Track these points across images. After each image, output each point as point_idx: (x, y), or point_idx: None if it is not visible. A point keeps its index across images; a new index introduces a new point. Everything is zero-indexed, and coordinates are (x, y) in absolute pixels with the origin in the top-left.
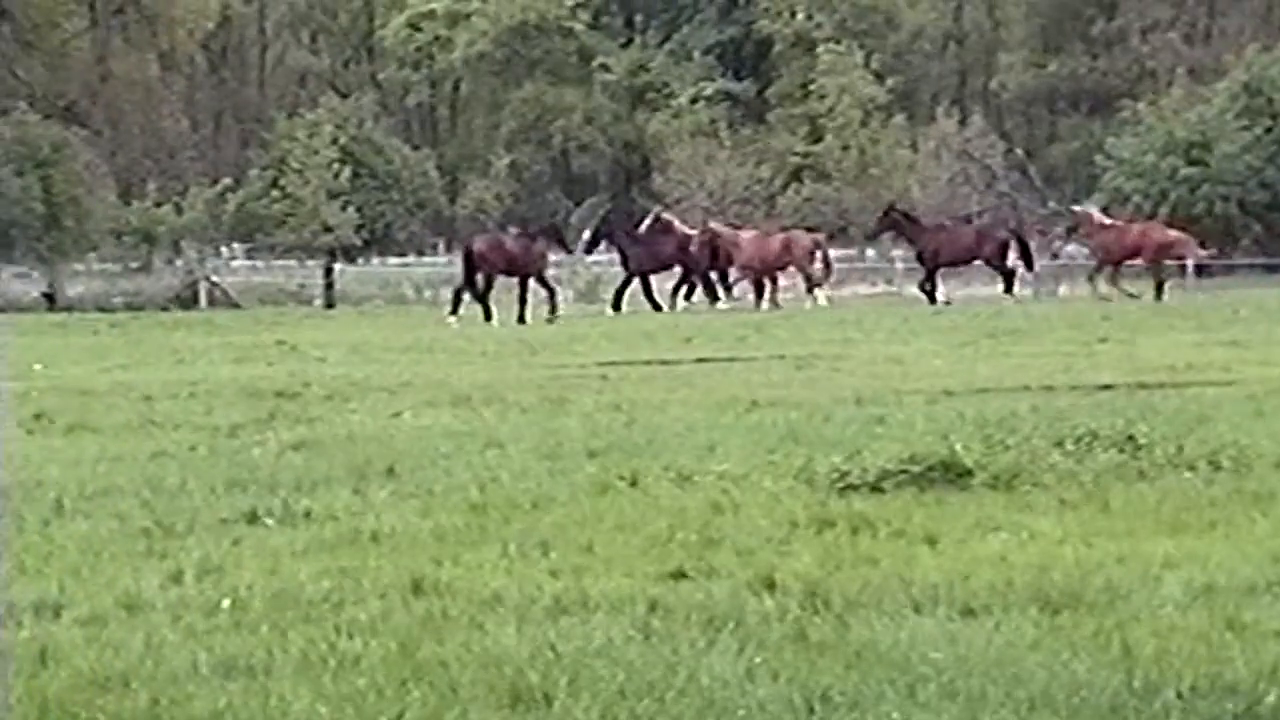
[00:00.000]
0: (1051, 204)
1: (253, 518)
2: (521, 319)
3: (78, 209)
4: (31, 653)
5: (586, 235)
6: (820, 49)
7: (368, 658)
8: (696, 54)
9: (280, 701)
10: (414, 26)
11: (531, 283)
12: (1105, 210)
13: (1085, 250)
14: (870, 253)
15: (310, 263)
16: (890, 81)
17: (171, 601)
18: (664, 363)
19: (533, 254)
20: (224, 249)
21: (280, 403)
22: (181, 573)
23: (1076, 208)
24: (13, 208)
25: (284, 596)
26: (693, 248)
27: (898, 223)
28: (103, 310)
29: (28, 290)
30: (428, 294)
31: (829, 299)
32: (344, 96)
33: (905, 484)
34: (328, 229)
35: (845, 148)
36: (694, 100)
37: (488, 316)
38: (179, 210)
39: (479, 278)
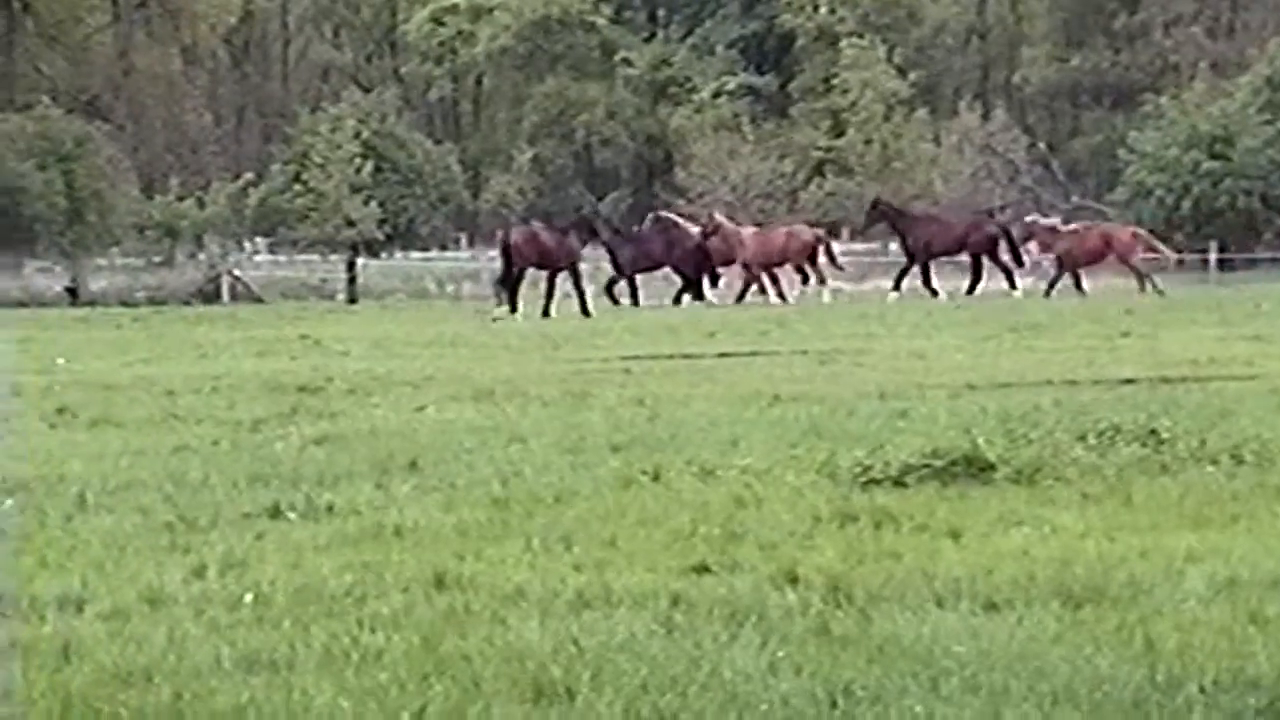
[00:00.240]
0: (1074, 198)
1: (275, 512)
2: (546, 312)
3: (100, 203)
4: (54, 647)
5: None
6: (843, 43)
7: (390, 652)
8: (719, 48)
9: (303, 696)
10: (437, 21)
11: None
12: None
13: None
14: (894, 246)
15: (333, 257)
16: (913, 76)
17: (194, 596)
18: (687, 357)
19: (566, 247)
20: (246, 243)
21: (303, 397)
22: (204, 567)
23: (1028, 218)
24: (35, 202)
25: (306, 591)
26: (692, 245)
27: (886, 215)
28: (125, 304)
29: (50, 285)
30: (450, 288)
31: (833, 293)
32: (366, 91)
33: (928, 478)
34: (350, 223)
35: (868, 142)
36: (716, 95)
37: (513, 309)
38: (201, 205)
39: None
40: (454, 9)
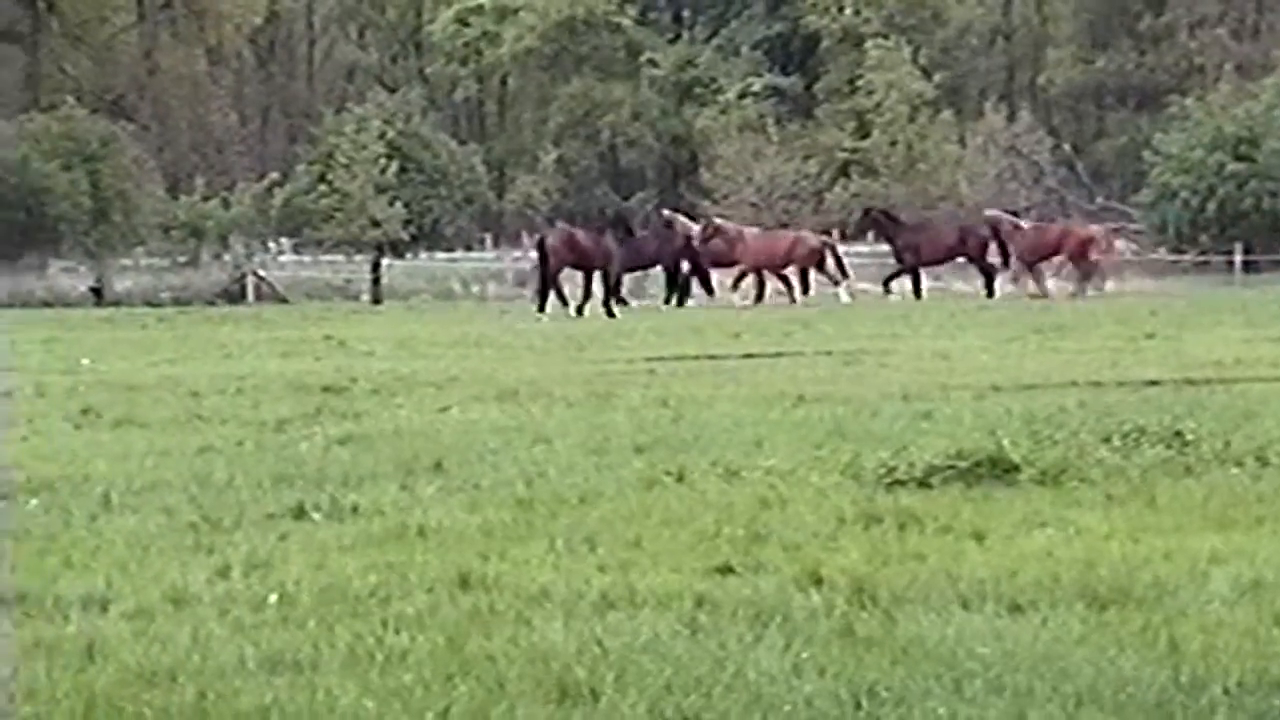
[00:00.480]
0: (1099, 200)
1: (300, 513)
2: (580, 312)
3: (125, 204)
4: (79, 647)
5: (532, 239)
6: (868, 44)
7: (415, 652)
8: (744, 49)
9: (327, 696)
10: (462, 21)
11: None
12: (1014, 214)
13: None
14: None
15: (357, 257)
16: (938, 77)
17: (218, 596)
18: (711, 358)
19: (603, 248)
20: (271, 244)
21: (327, 398)
22: (229, 567)
23: (988, 211)
24: (60, 202)
25: (331, 591)
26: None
27: (878, 222)
28: (150, 305)
29: (75, 285)
30: (475, 289)
31: (850, 294)
32: (392, 91)
33: (952, 479)
34: (375, 224)
35: (893, 143)
36: (741, 95)
37: (541, 308)
38: (226, 205)
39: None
40: (479, 10)
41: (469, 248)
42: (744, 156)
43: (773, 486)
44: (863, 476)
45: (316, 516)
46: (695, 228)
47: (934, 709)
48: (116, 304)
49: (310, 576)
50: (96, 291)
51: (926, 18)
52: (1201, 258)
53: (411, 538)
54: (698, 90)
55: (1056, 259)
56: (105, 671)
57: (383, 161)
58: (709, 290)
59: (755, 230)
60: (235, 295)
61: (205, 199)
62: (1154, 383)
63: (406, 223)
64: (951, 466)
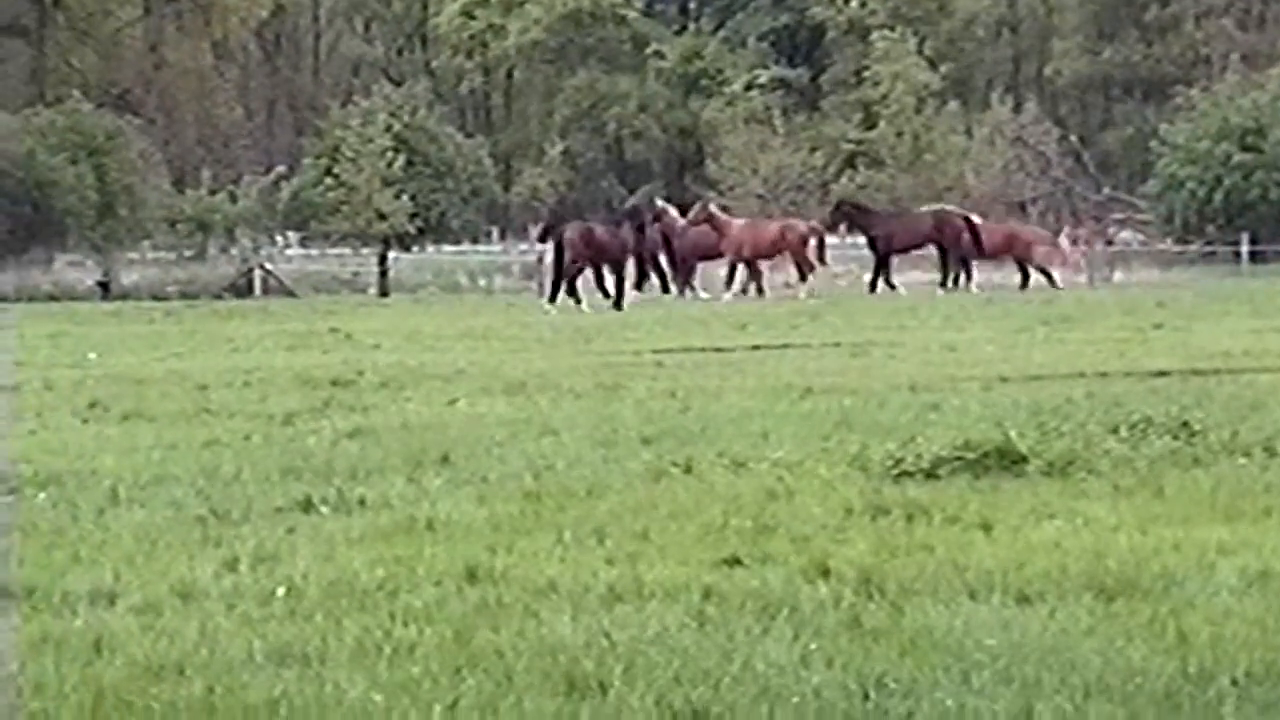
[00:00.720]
0: (1106, 190)
1: (308, 506)
2: (619, 305)
3: (132, 198)
4: (86, 641)
5: (536, 229)
6: (874, 36)
7: (423, 645)
8: (750, 41)
9: (335, 689)
10: (468, 14)
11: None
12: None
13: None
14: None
15: (364, 251)
16: (944, 68)
17: (226, 590)
18: (718, 350)
19: (620, 241)
20: (278, 237)
21: (335, 391)
22: (236, 560)
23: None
24: (67, 196)
25: (339, 584)
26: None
27: (849, 215)
28: (157, 299)
29: (82, 279)
30: (482, 282)
31: (810, 293)
32: (397, 84)
33: (960, 471)
34: (382, 217)
35: (899, 134)
36: (748, 87)
37: (553, 299)
38: (233, 199)
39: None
40: (485, 2)
41: (475, 240)
42: (750, 148)
43: (780, 478)
44: (870, 468)
45: (324, 510)
46: (681, 221)
47: (942, 700)
48: (123, 298)
49: (318, 570)
50: (103, 285)
51: (932, 9)
52: (1208, 248)
53: (419, 531)
54: (704, 82)
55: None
56: (113, 665)
57: (389, 155)
58: (664, 286)
59: (742, 220)
60: (242, 289)
61: (212, 193)
62: (1161, 373)
63: (413, 216)
64: (959, 458)
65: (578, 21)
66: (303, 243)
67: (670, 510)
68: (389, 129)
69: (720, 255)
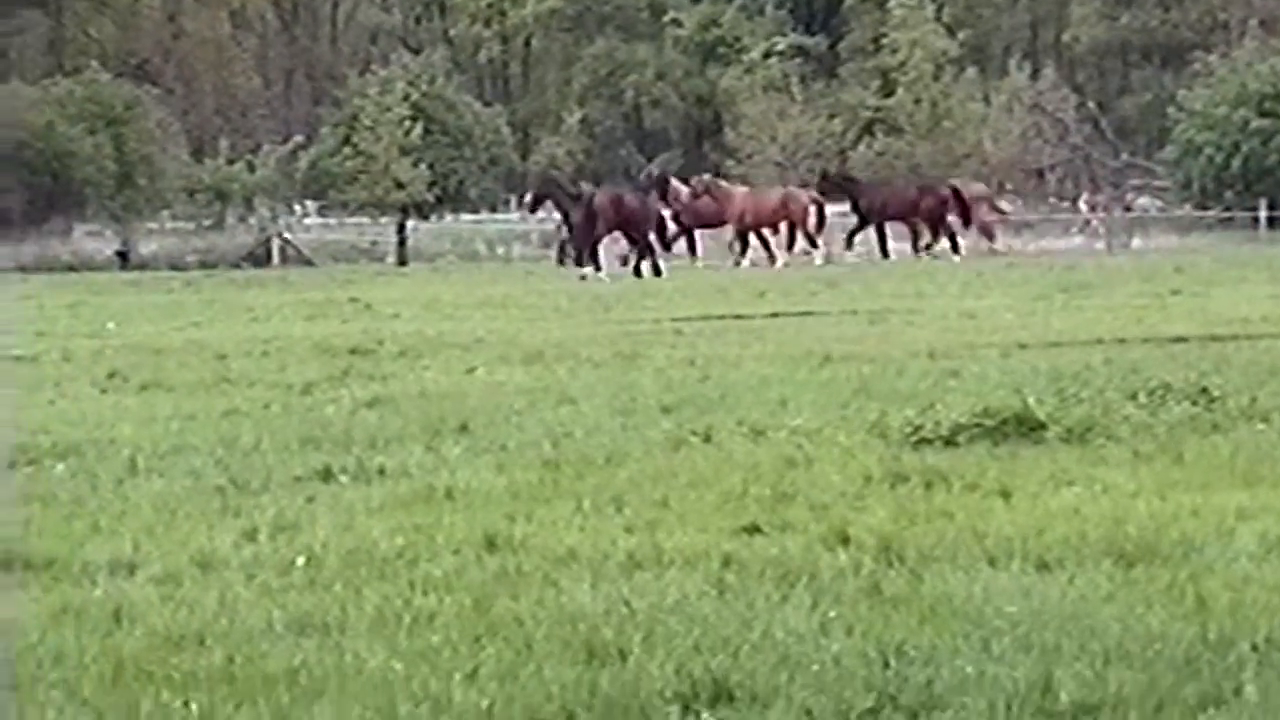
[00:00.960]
0: (1124, 156)
1: (327, 475)
2: (657, 270)
3: (150, 168)
4: (106, 611)
5: (529, 196)
6: (891, 3)
7: (442, 614)
8: (768, 8)
9: (355, 659)
10: None
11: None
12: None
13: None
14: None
15: (383, 220)
16: (962, 35)
17: (246, 559)
18: (737, 317)
19: (648, 209)
20: (296, 206)
21: (353, 360)
22: (256, 530)
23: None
24: (85, 166)
25: (358, 554)
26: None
27: (838, 185)
28: (176, 268)
29: (101, 249)
30: (500, 250)
31: (824, 258)
32: (416, 53)
33: (979, 438)
34: (400, 186)
35: (917, 101)
36: (766, 55)
37: (581, 263)
38: (251, 168)
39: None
40: None
41: (494, 209)
42: (768, 116)
43: (799, 446)
44: (889, 435)
45: (343, 479)
46: (685, 190)
47: (961, 667)
48: (142, 268)
49: (337, 539)
50: (122, 255)
51: None
52: (1226, 214)
53: (438, 499)
54: (722, 50)
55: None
56: (133, 635)
57: (407, 124)
58: (665, 249)
59: (744, 189)
60: (260, 258)
61: (230, 162)
62: (1180, 339)
63: (431, 185)
64: (978, 425)
65: None
66: (321, 212)
67: (689, 478)
68: (407, 98)
69: (722, 224)
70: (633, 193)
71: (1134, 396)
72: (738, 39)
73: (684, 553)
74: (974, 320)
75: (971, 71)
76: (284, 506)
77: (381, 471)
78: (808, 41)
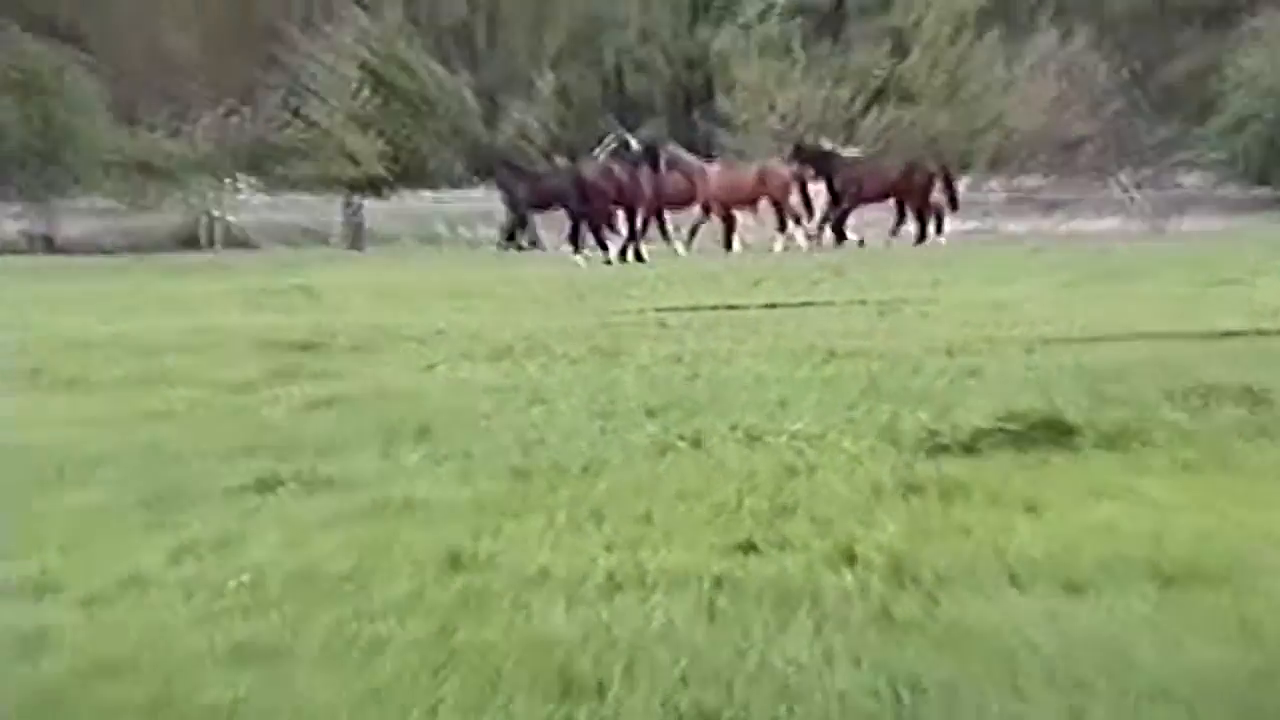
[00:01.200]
0: (1165, 129)
1: (270, 485)
2: (639, 255)
3: (75, 141)
4: (26, 636)
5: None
6: None
7: (399, 641)
8: None
9: (301, 691)
10: None
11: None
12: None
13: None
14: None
15: (333, 197)
16: None
17: (179, 579)
18: (730, 308)
19: (640, 183)
20: (236, 183)
21: (300, 355)
22: (190, 547)
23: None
24: (5, 140)
25: (305, 573)
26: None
27: (811, 159)
28: (103, 252)
29: (22, 229)
30: (464, 232)
31: (788, 243)
32: (369, 11)
33: (1002, 444)
34: (351, 160)
35: (933, 65)
36: (763, 14)
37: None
38: (184, 140)
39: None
40: None
41: (457, 186)
42: (766, 82)
43: (800, 452)
44: (901, 441)
45: (288, 489)
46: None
47: (982, 703)
48: (66, 251)
49: (281, 557)
50: (43, 238)
51: None
52: (1278, 193)
53: (395, 512)
54: (714, 8)
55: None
56: (56, 663)
57: (360, 90)
58: (613, 230)
59: (716, 166)
60: (196, 240)
61: (162, 133)
62: (1227, 334)
63: (387, 158)
64: (1001, 429)
65: None
66: (263, 189)
67: (677, 489)
68: (359, 61)
69: (690, 203)
70: (622, 166)
71: (1175, 398)
72: None
73: (670, 573)
74: (996, 311)
75: (994, 32)
76: (221, 520)
77: (331, 480)
78: None
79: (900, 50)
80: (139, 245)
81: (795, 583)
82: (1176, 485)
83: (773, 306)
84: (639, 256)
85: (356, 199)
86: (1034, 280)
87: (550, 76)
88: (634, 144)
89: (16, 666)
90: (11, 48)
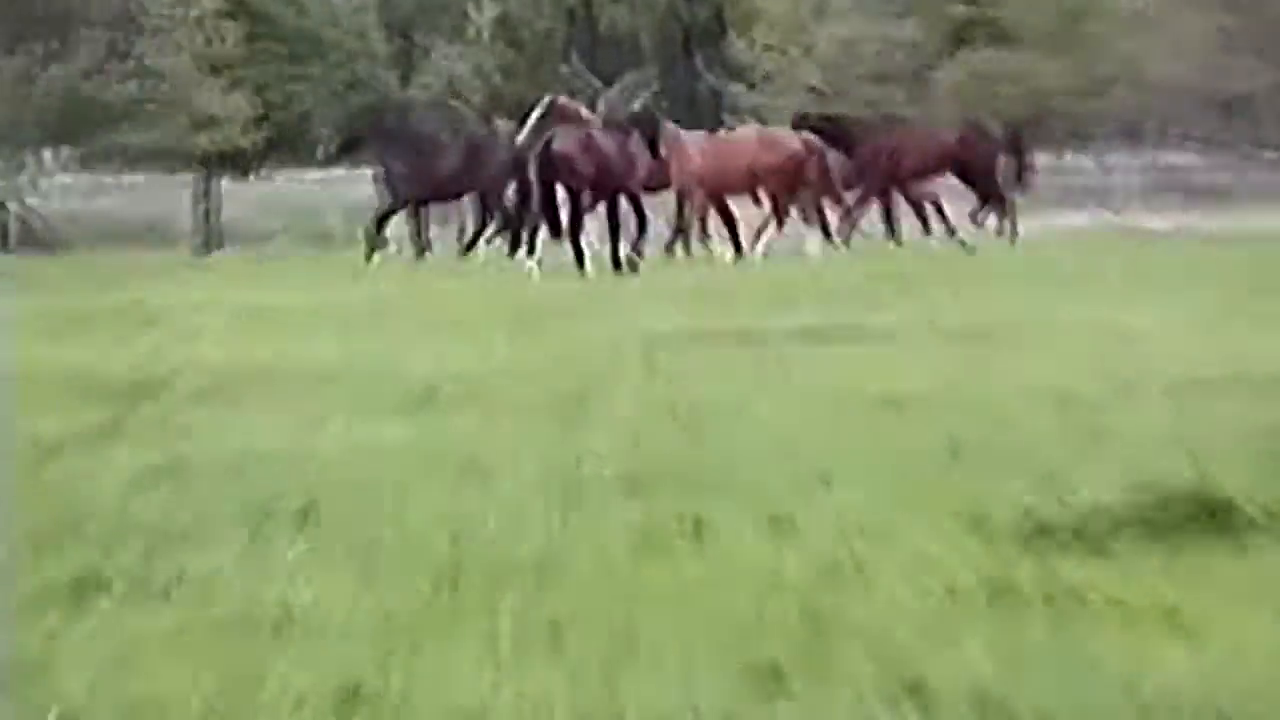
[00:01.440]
0: None
1: (90, 587)
2: (616, 261)
3: None
4: None
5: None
6: None
7: None
8: None
9: None
10: None
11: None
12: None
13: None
14: (1081, 161)
15: (179, 178)
16: None
17: None
18: (745, 336)
19: (629, 159)
20: (40, 158)
21: (132, 404)
22: None
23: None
24: None
25: (141, 713)
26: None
27: (821, 129)
28: None
29: None
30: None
31: (822, 245)
32: None
33: (1133, 530)
34: (207, 123)
35: None
36: None
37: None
38: None
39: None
40: None
41: (356, 164)
42: (799, 15)
43: (847, 543)
44: (990, 527)
45: (115, 595)
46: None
47: None
48: None
49: (107, 688)
50: None
51: None
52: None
53: (267, 629)
54: None
55: None
56: None
57: (217, 24)
58: (555, 230)
59: (698, 136)
60: None
61: None
62: None
63: (257, 122)
64: (1131, 509)
65: None
66: (81, 164)
67: (671, 596)
68: None
69: (660, 186)
70: (606, 134)
71: None
72: None
73: (661, 717)
74: (1126, 342)
75: None
76: (22, 639)
77: (177, 581)
78: None
79: None
80: None
81: None
82: None
83: (807, 333)
84: (630, 263)
85: (213, 181)
86: (1180, 297)
87: (489, 7)
88: (601, 105)
89: None
90: None
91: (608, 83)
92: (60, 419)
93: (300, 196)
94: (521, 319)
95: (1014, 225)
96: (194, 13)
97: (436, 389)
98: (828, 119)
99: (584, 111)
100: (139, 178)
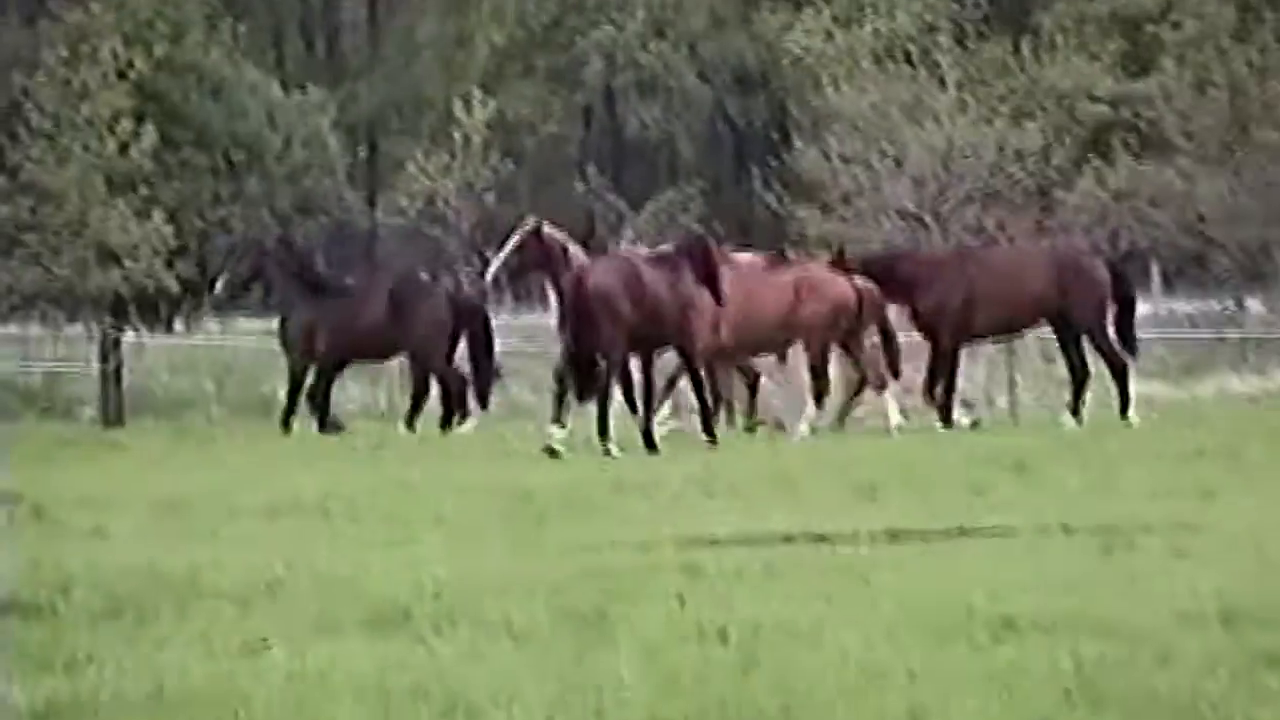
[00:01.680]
0: None
1: None
2: (649, 439)
3: None
4: None
5: (221, 281)
6: None
7: None
8: None
9: None
10: None
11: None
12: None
13: None
14: (1249, 305)
15: (72, 329)
16: None
17: None
18: (819, 540)
19: (681, 295)
20: None
21: (16, 624)
22: None
23: None
24: None
25: None
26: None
27: (864, 267)
28: None
29: None
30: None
31: (902, 416)
32: None
33: None
34: (111, 258)
35: (1200, 85)
36: None
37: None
38: None
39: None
40: None
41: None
42: (888, 116)
43: None
44: None
45: None
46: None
47: None
48: None
49: None
50: None
51: None
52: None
53: None
54: None
55: None
56: None
57: (127, 125)
58: (483, 402)
59: (747, 256)
60: None
61: None
62: None
63: (173, 255)
64: None
65: None
66: None
67: None
68: (123, 69)
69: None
70: (651, 260)
71: None
72: None
73: None
74: None
75: None
76: None
77: None
78: None
79: (1137, 59)
80: None
81: None
82: None
83: (895, 537)
84: (650, 442)
85: (121, 332)
86: None
87: (481, 99)
88: (628, 232)
89: None
90: None
91: (635, 205)
92: None
93: (233, 352)
94: (522, 515)
95: (1122, 393)
96: (96, 110)
97: (408, 605)
98: (885, 255)
99: (571, 246)
100: (28, 330)
